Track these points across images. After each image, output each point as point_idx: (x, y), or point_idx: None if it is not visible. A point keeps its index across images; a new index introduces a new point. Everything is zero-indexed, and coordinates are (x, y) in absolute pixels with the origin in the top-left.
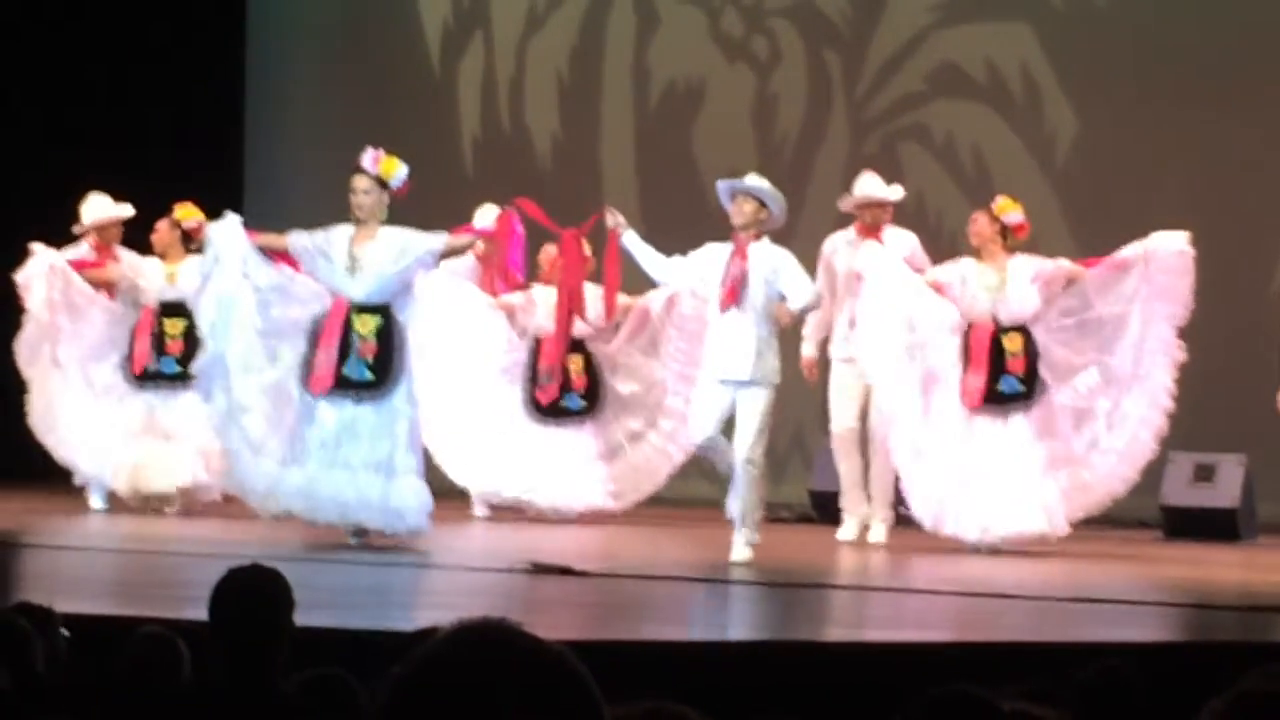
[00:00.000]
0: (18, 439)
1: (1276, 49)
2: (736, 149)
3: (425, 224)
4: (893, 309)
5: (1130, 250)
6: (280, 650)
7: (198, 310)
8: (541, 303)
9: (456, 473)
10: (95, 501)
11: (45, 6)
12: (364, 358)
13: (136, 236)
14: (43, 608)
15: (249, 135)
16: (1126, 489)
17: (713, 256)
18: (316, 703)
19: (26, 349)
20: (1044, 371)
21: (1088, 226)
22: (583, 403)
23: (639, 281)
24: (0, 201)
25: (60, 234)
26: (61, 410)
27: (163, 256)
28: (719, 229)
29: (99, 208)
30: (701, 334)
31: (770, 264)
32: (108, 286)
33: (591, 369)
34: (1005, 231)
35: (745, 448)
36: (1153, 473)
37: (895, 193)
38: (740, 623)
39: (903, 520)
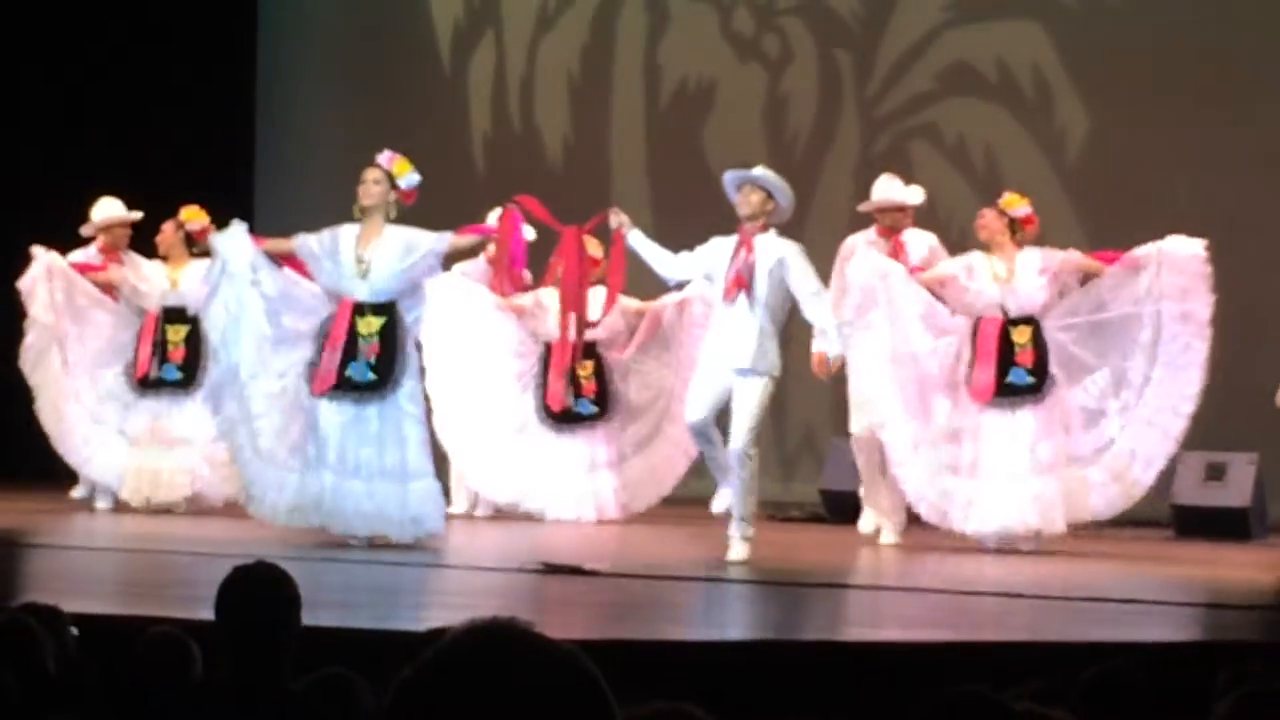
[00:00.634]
0: (25, 440)
1: None
2: (747, 147)
3: (437, 223)
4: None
5: (1144, 250)
6: (288, 650)
7: (208, 320)
8: (551, 307)
9: (469, 478)
10: (101, 502)
11: (59, 11)
12: (367, 359)
13: (146, 239)
14: (51, 607)
15: (260, 136)
16: (1141, 491)
17: (718, 249)
18: (325, 703)
19: (32, 354)
20: (1055, 368)
21: (1099, 225)
22: (594, 408)
23: (650, 286)
24: (12, 205)
25: (72, 238)
26: (69, 416)
27: (165, 258)
28: (730, 227)
29: (107, 210)
30: None
31: (776, 256)
32: (110, 290)
33: (602, 374)
34: (1013, 225)
35: (740, 436)
36: (1164, 472)
37: (915, 195)
38: (751, 622)
39: (914, 519)
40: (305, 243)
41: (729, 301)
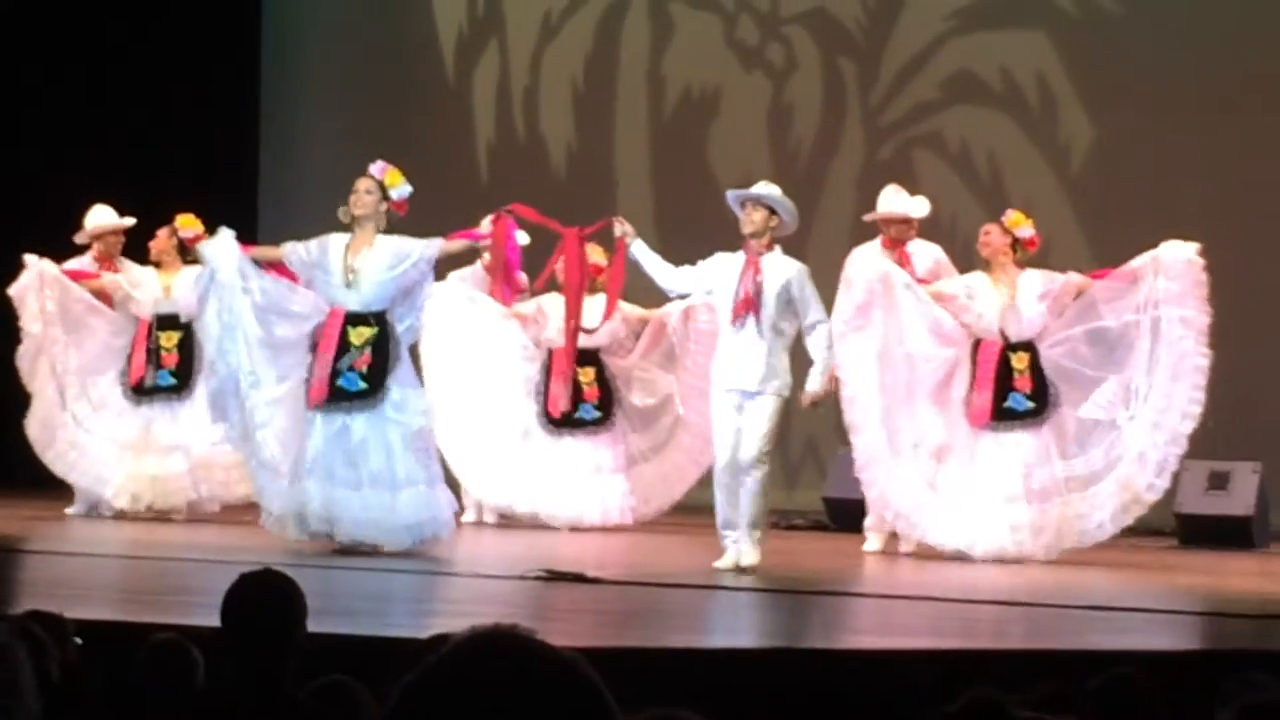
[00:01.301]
0: (25, 446)
1: None
2: (751, 156)
3: (440, 232)
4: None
5: (1139, 260)
6: (292, 657)
7: (202, 329)
8: (553, 314)
9: (471, 485)
10: (104, 511)
11: (60, 16)
12: (357, 369)
13: (143, 247)
14: (54, 615)
15: (264, 144)
16: (1155, 497)
17: (723, 267)
18: (328, 710)
19: (26, 363)
20: (1056, 386)
21: (1103, 234)
22: (597, 413)
23: (650, 295)
24: (11, 213)
25: (73, 244)
26: (58, 426)
27: (158, 265)
28: (733, 237)
29: (99, 218)
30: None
31: (784, 278)
32: (105, 297)
33: (604, 380)
34: (1016, 244)
35: (754, 450)
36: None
37: (920, 208)
38: (754, 630)
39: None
40: (294, 250)
41: (737, 324)
